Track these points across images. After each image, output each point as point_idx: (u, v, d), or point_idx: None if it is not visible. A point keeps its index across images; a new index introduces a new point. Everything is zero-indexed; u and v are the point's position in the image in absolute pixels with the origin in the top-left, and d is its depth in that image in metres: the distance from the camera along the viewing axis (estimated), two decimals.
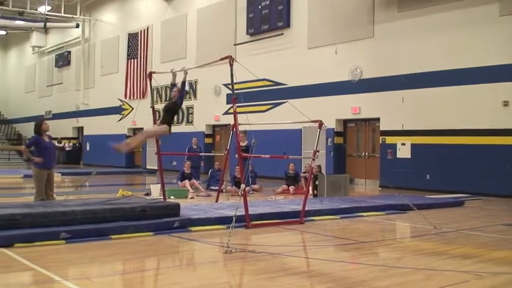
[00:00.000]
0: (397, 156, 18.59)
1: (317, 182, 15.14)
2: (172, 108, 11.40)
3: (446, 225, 10.35)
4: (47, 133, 11.14)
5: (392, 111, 18.73)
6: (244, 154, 15.31)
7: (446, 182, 17.03)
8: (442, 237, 9.03)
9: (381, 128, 19.28)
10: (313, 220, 10.70)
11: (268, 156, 12.17)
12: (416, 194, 15.53)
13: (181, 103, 11.51)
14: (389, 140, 18.90)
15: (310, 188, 13.92)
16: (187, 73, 11.63)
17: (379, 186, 18.88)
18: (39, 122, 11.12)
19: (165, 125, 11.12)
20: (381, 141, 19.27)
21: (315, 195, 14.91)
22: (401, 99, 18.43)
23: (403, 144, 18.45)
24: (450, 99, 17.22)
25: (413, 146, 18.19)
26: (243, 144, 16.52)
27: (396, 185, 15.84)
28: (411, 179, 17.88)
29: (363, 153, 20.36)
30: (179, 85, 11.48)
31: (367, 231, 9.81)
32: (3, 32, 41.97)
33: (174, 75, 11.79)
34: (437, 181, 17.31)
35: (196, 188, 16.81)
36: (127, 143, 11.34)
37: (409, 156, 18.27)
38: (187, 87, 11.51)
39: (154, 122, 12.67)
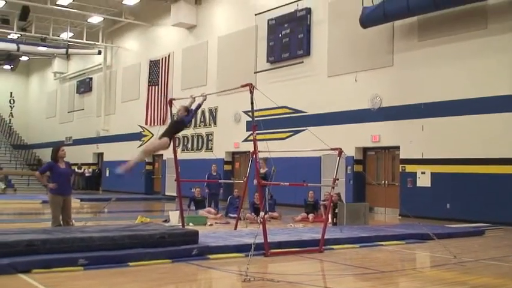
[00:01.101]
0: (417, 185, 18.44)
1: (336, 210, 15.05)
2: (179, 126, 11.07)
3: (466, 254, 10.21)
4: (65, 159, 11.17)
5: (412, 139, 18.63)
6: (262, 181, 15.32)
7: (466, 211, 16.84)
8: (462, 267, 8.90)
9: (401, 156, 19.18)
10: (333, 249, 10.60)
11: (287, 183, 12.12)
12: (436, 223, 15.38)
13: (189, 122, 11.32)
14: (409, 168, 18.78)
15: (330, 216, 13.84)
16: (205, 99, 11.63)
17: (399, 215, 18.72)
18: (55, 148, 11.16)
19: (165, 138, 10.70)
20: (400, 170, 19.15)
21: (334, 224, 14.81)
22: (421, 128, 18.34)
23: (423, 172, 18.32)
24: (470, 127, 17.11)
25: (433, 174, 18.05)
26: (262, 171, 16.50)
27: (416, 213, 15.69)
28: (431, 208, 17.71)
29: (383, 182, 20.22)
30: (192, 106, 11.38)
31: (387, 261, 9.71)
32: (25, 58, 42.55)
33: (193, 100, 11.76)
34: (457, 210, 17.13)
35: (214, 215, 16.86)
36: (130, 165, 10.98)
37: (429, 185, 18.12)
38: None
39: (174, 149, 12.67)
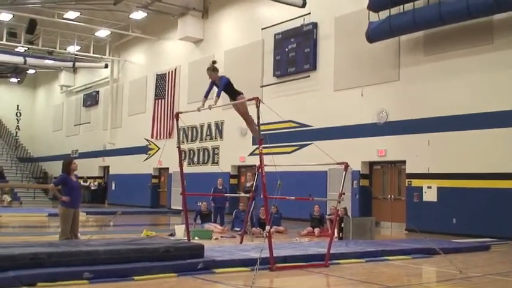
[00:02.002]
0: (423, 200, 18.37)
1: (342, 225, 15.01)
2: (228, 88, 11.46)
3: (472, 269, 10.17)
4: (74, 172, 11.25)
5: (418, 154, 18.59)
6: (249, 195, 15.51)
7: (472, 226, 16.77)
8: (468, 282, 8.86)
9: (407, 171, 19.13)
10: (339, 263, 10.56)
11: (293, 198, 12.09)
12: (443, 238, 15.31)
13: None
14: (415, 182, 18.73)
15: (336, 230, 13.80)
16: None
17: (405, 230, 18.65)
18: (67, 161, 11.23)
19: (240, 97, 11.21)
20: (406, 184, 19.09)
21: (340, 238, 14.77)
22: (427, 142, 18.30)
23: (429, 187, 18.26)
24: (477, 142, 17.07)
25: (439, 189, 17.99)
26: (249, 184, 16.54)
27: (422, 228, 15.63)
28: (437, 223, 17.63)
29: (389, 196, 20.17)
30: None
31: (393, 276, 9.67)
32: (32, 71, 42.73)
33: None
34: (463, 225, 17.06)
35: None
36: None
37: (436, 200, 18.06)
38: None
39: (180, 162, 12.65)
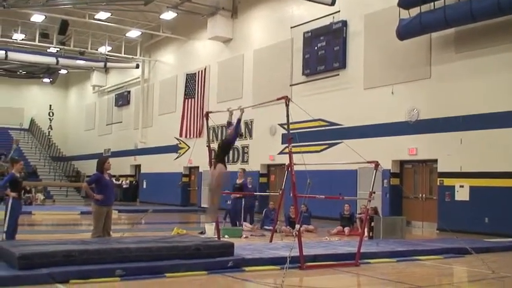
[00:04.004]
0: (455, 199, 18.16)
1: (373, 224, 14.94)
2: (226, 147, 11.46)
3: (504, 269, 10.05)
4: (108, 171, 11.38)
5: (450, 152, 18.39)
6: (237, 192, 15.58)
7: (505, 226, 16.52)
8: (500, 282, 8.78)
9: (439, 170, 18.93)
10: (369, 263, 10.52)
11: (323, 196, 12.08)
12: (475, 237, 15.15)
13: (234, 141, 11.59)
14: (447, 182, 18.53)
15: (366, 229, 13.76)
16: (243, 111, 11.71)
17: (437, 229, 18.48)
18: (102, 160, 11.38)
19: (220, 164, 11.09)
20: (438, 183, 18.90)
21: (370, 237, 14.71)
22: (459, 141, 18.10)
23: (461, 186, 18.05)
24: (510, 140, 16.83)
25: (471, 188, 17.77)
26: (239, 181, 16.55)
27: (454, 228, 15.47)
28: (469, 222, 17.42)
29: (420, 195, 19.99)
30: (235, 123, 11.58)
31: (424, 275, 9.60)
32: (64, 71, 43.23)
33: (231, 113, 11.93)
34: (496, 224, 16.83)
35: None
36: (212, 210, 11.57)
37: (468, 199, 17.83)
38: (242, 127, 11.55)
39: (210, 161, 12.73)
